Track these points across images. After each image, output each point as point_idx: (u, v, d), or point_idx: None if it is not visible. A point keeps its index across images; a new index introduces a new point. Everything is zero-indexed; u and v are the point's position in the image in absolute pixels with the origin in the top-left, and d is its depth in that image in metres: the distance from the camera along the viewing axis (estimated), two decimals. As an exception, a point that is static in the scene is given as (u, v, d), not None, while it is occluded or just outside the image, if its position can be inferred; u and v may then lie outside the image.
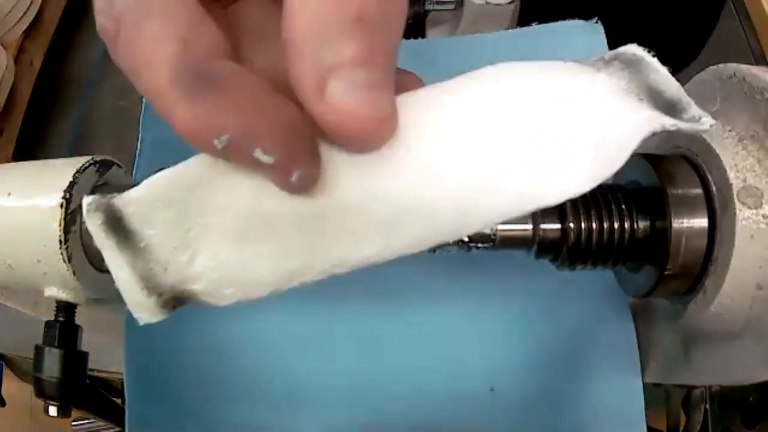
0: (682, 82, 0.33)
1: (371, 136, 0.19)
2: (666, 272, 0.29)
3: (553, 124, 0.21)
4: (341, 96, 0.17)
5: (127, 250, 0.22)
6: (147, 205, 0.22)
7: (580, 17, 0.49)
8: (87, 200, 0.23)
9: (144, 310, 0.22)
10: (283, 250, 0.22)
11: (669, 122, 0.22)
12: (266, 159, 0.18)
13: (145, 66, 0.19)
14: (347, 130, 0.18)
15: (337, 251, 0.21)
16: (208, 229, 0.22)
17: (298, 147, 0.19)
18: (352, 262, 0.21)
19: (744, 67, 0.28)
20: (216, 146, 0.19)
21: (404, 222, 0.20)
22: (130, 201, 0.22)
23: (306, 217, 0.21)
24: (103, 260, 0.22)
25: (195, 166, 0.22)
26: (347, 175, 0.20)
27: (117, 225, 0.22)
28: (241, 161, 0.20)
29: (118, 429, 0.42)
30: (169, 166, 0.34)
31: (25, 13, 0.90)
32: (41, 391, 0.33)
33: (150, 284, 0.22)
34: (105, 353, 0.45)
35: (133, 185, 0.23)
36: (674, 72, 0.23)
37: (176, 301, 0.23)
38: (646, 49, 0.24)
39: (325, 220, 0.21)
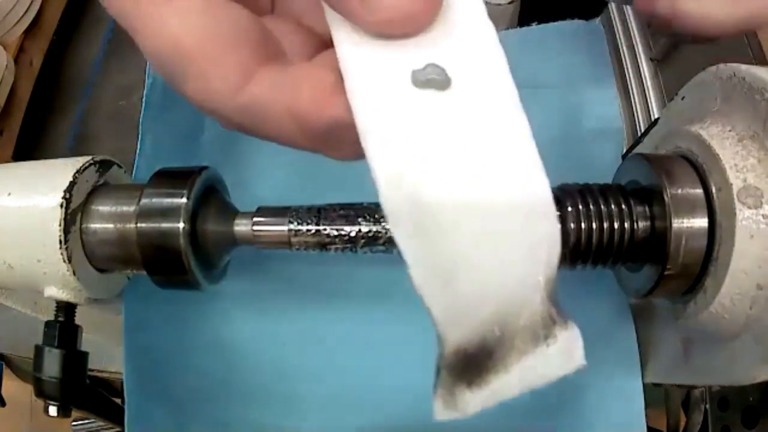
0: (682, 82, 0.33)
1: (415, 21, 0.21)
2: (666, 272, 0.29)
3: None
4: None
5: None
6: None
7: (581, 17, 0.49)
8: None
9: None
10: None
11: None
12: None
13: (281, 135, 0.23)
14: (393, 25, 0.21)
15: None
16: None
17: None
18: None
19: (744, 67, 0.28)
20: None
21: None
22: None
23: None
24: (102, 260, 0.22)
25: None
26: None
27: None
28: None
29: (118, 429, 0.42)
30: (169, 166, 0.34)
31: (25, 13, 0.90)
32: (41, 391, 0.33)
33: None
34: (105, 353, 0.45)
35: (133, 185, 0.23)
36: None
37: None
38: None
39: None
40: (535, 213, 0.20)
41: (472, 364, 0.21)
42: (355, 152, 0.22)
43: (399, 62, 0.21)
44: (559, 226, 0.21)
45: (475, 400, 0.21)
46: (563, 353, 0.21)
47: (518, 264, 0.20)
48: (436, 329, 0.21)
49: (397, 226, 0.20)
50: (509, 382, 0.21)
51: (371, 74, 0.21)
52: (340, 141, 0.22)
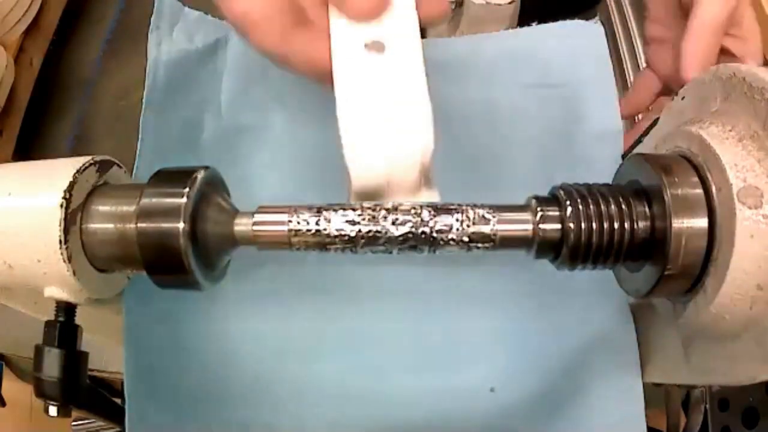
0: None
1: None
2: (666, 272, 0.29)
3: None
4: None
5: None
6: None
7: (580, 17, 0.49)
8: None
9: None
10: None
11: None
12: None
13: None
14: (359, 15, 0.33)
15: None
16: None
17: None
18: None
19: (744, 67, 0.28)
20: None
21: None
22: None
23: None
24: (102, 260, 0.22)
25: None
26: None
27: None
28: None
29: (118, 429, 0.42)
30: (169, 166, 0.34)
31: (25, 13, 0.90)
32: (41, 391, 0.33)
33: None
34: (105, 353, 0.45)
35: (133, 185, 0.23)
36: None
37: None
38: None
39: None
40: (414, 129, 0.31)
41: (370, 197, 0.32)
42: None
43: (360, 34, 0.33)
44: (432, 140, 0.31)
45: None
46: (432, 198, 0.32)
47: (400, 150, 0.31)
48: (349, 175, 0.31)
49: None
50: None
51: (344, 41, 0.33)
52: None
